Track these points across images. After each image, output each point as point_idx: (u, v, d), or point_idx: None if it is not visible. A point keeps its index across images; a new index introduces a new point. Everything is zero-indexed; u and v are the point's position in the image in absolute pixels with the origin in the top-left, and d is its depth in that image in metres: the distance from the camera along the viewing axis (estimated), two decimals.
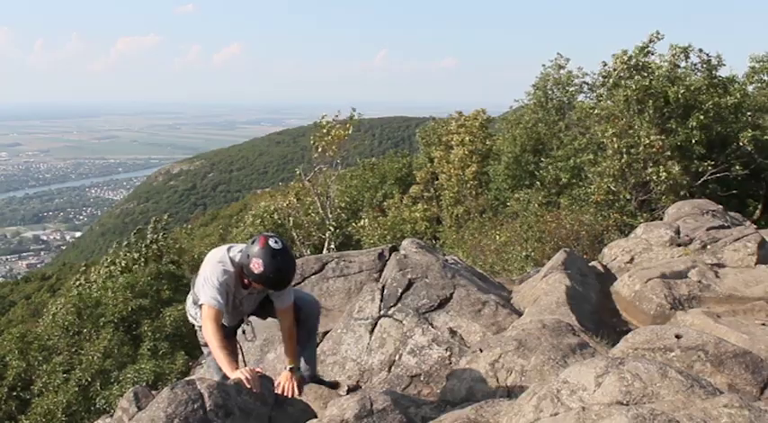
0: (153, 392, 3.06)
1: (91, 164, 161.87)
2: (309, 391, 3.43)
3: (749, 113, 13.98)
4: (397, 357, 4.34)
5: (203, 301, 3.21)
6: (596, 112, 14.09)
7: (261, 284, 3.17)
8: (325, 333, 4.85)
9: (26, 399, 9.35)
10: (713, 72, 13.79)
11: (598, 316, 4.73)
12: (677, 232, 6.40)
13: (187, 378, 3.72)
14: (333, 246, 15.55)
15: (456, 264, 5.84)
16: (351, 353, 4.53)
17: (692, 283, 4.95)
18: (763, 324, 3.84)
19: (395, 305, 4.71)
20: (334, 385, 4.06)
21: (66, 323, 10.16)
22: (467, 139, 20.26)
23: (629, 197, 12.96)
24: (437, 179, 22.02)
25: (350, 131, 15.31)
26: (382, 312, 4.69)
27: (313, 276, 5.95)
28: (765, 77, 16.18)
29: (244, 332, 3.66)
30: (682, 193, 12.07)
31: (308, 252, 15.53)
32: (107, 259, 14.32)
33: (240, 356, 3.60)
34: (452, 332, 4.42)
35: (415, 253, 5.60)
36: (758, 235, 5.86)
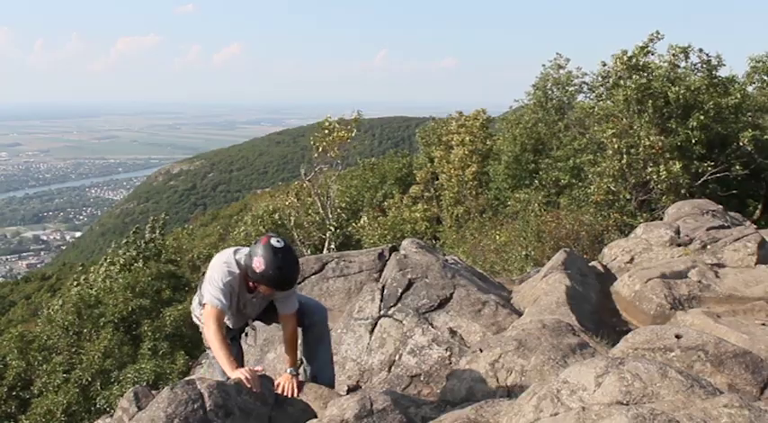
0: (153, 392, 3.06)
1: (91, 164, 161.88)
2: (309, 391, 3.43)
3: (749, 113, 13.98)
4: (397, 357, 4.34)
5: (206, 301, 3.22)
6: (596, 111, 14.10)
7: (263, 284, 3.13)
8: None
9: (26, 398, 9.35)
10: (713, 72, 13.79)
11: (598, 316, 4.73)
12: (677, 232, 6.40)
13: (187, 378, 3.72)
14: (333, 246, 15.56)
15: (456, 264, 5.84)
16: (351, 353, 4.53)
17: (692, 283, 4.95)
18: (763, 324, 3.84)
19: (395, 305, 4.71)
20: None
21: (66, 323, 10.15)
22: (467, 139, 20.27)
23: (629, 197, 12.96)
24: (437, 179, 22.04)
25: (353, 133, 15.32)
26: (382, 312, 4.69)
27: (313, 276, 5.95)
28: (765, 77, 16.18)
29: (246, 335, 3.65)
30: (682, 192, 12.07)
31: (309, 252, 15.53)
32: (106, 259, 14.34)
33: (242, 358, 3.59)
34: (452, 332, 4.42)
35: (415, 253, 5.60)
36: (758, 235, 5.86)
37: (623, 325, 4.71)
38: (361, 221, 17.70)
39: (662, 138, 12.32)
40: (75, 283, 14.66)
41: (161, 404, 2.67)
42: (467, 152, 20.06)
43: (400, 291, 4.83)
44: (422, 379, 4.14)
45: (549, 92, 16.97)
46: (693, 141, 12.66)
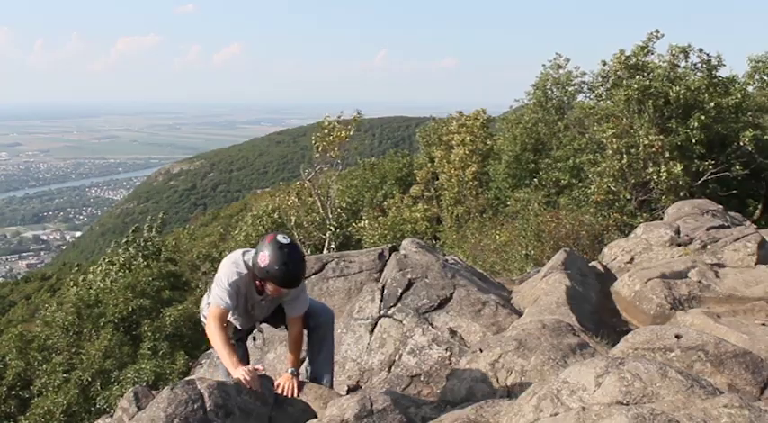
0: (153, 392, 3.06)
1: (91, 164, 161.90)
2: (309, 391, 3.43)
3: (749, 113, 13.97)
4: (397, 357, 4.34)
5: (211, 301, 3.24)
6: (596, 111, 14.11)
7: (268, 280, 3.10)
8: None
9: (26, 398, 9.35)
10: (713, 72, 13.79)
11: (598, 316, 4.73)
12: (677, 232, 6.40)
13: (187, 378, 3.72)
14: (333, 246, 15.56)
15: (456, 264, 5.84)
16: (351, 353, 4.53)
17: (692, 283, 4.95)
18: (763, 324, 3.84)
19: (395, 305, 4.71)
20: None
21: (66, 323, 10.15)
22: (467, 138, 20.28)
23: (629, 197, 12.96)
24: (437, 179, 22.04)
25: (351, 132, 15.32)
26: (382, 312, 4.69)
27: (313, 276, 5.95)
28: (766, 77, 16.18)
29: (255, 339, 3.65)
30: (681, 193, 12.06)
31: (309, 252, 15.54)
32: (104, 259, 14.34)
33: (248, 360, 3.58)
34: (452, 332, 4.42)
35: (415, 253, 5.60)
36: (758, 235, 5.85)
37: (623, 325, 4.71)
38: (362, 222, 17.71)
39: (661, 137, 12.32)
40: (71, 283, 14.65)
41: (161, 404, 2.67)
42: (467, 152, 20.07)
43: (400, 291, 4.83)
44: (422, 379, 4.14)
45: (549, 92, 16.99)
46: (693, 141, 12.66)
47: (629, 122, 12.89)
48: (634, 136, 12.58)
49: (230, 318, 3.36)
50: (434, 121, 24.60)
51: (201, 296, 3.89)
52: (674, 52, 13.77)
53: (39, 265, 75.78)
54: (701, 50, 13.94)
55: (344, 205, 18.04)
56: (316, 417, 3.04)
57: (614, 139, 12.53)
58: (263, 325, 3.66)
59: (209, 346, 5.66)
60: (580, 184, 14.28)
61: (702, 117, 12.56)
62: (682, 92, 12.68)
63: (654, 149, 12.21)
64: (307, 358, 3.74)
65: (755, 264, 5.35)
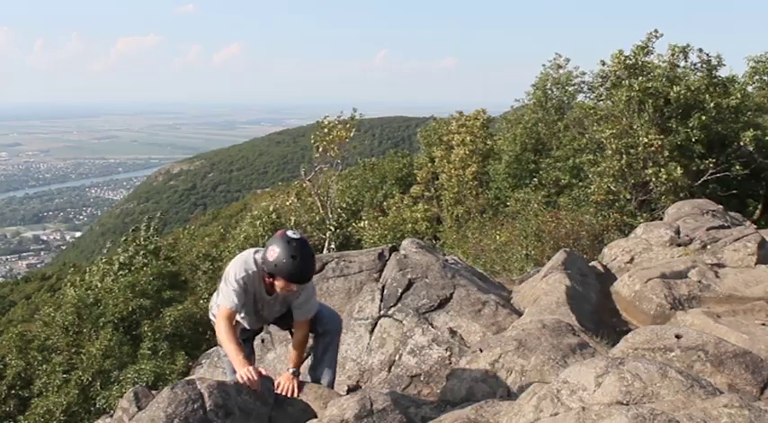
0: (153, 392, 3.06)
1: (91, 164, 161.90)
2: (309, 391, 3.43)
3: (749, 113, 13.98)
4: (397, 357, 4.34)
5: (219, 302, 3.25)
6: (596, 111, 14.10)
7: (277, 274, 3.06)
8: None
9: (25, 398, 9.35)
10: (713, 72, 13.79)
11: (598, 316, 4.73)
12: (677, 232, 6.40)
13: (187, 378, 3.72)
14: (333, 246, 15.55)
15: (456, 264, 5.85)
16: (351, 353, 4.53)
17: (692, 283, 4.95)
18: (763, 324, 3.84)
19: (395, 305, 4.71)
20: None
21: (66, 323, 10.15)
22: (467, 138, 20.27)
23: (629, 197, 12.96)
24: (437, 179, 22.04)
25: (351, 133, 15.32)
26: (382, 312, 4.69)
27: (313, 276, 5.95)
28: (765, 78, 16.18)
29: (263, 341, 3.64)
30: (681, 193, 12.06)
31: None
32: (101, 259, 14.33)
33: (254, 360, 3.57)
34: (452, 332, 4.42)
35: (415, 253, 5.60)
36: (758, 235, 5.85)
37: (623, 325, 4.71)
38: (362, 223, 17.70)
39: (660, 137, 12.32)
40: (69, 284, 14.63)
41: (161, 404, 2.67)
42: (467, 152, 20.07)
43: (400, 291, 4.83)
44: (422, 379, 4.14)
45: (549, 92, 17.01)
46: (693, 141, 12.66)
47: (628, 122, 12.89)
48: (634, 136, 12.58)
49: (238, 317, 3.35)
50: (435, 121, 24.61)
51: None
52: (673, 52, 13.77)
53: (39, 266, 75.79)
54: (700, 50, 13.96)
55: (344, 205, 18.04)
56: (316, 417, 3.04)
57: (613, 140, 12.54)
58: (272, 326, 3.65)
59: (209, 347, 5.66)
60: (580, 184, 14.28)
61: (702, 117, 12.55)
62: (682, 92, 12.68)
63: (653, 149, 12.21)
64: (310, 363, 3.75)
65: (755, 264, 5.35)
